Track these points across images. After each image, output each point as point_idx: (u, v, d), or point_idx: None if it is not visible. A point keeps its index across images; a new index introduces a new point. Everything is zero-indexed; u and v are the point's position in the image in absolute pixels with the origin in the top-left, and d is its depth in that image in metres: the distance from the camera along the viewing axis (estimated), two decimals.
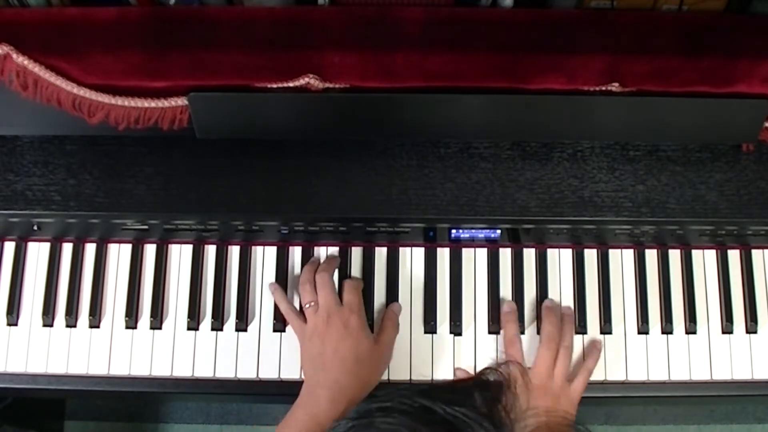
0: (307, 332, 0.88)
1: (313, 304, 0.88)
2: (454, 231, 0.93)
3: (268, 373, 0.92)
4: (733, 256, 0.96)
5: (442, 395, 0.50)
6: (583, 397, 0.89)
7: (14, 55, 0.80)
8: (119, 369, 0.92)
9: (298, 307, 0.92)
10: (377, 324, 0.92)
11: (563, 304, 0.94)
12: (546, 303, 0.93)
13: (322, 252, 0.96)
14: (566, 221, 0.90)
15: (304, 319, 0.89)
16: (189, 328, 0.93)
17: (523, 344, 0.91)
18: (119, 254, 0.96)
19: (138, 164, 0.90)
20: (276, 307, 0.93)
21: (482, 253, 0.96)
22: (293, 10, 0.81)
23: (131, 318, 0.93)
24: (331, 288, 0.89)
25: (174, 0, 0.81)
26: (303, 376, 0.87)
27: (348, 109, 0.83)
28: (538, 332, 0.92)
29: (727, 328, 0.94)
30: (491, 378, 0.55)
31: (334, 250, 0.96)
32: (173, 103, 0.83)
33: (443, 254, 0.96)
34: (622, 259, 0.96)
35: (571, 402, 0.87)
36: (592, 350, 0.92)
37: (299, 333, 0.89)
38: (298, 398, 0.84)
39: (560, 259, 0.96)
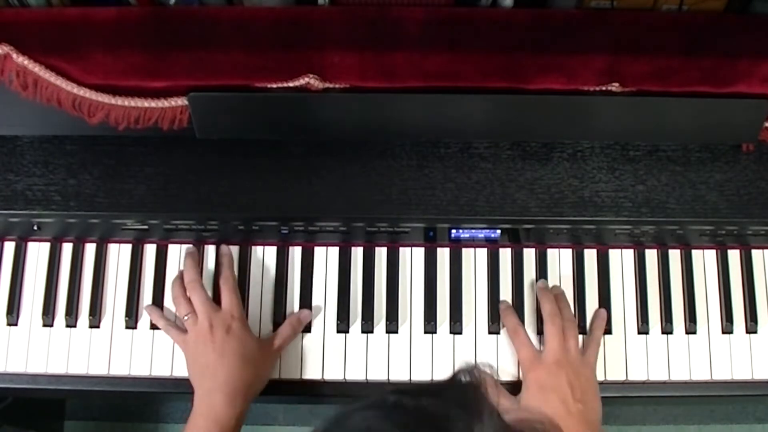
0: (190, 343, 0.88)
1: (190, 314, 0.88)
2: (454, 231, 0.93)
3: None
4: (733, 256, 0.96)
5: (413, 391, 0.51)
6: None
7: (14, 55, 0.80)
8: (119, 369, 0.92)
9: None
10: (377, 321, 0.92)
11: None
12: (539, 284, 0.94)
13: (321, 252, 0.96)
14: (566, 221, 0.90)
15: (185, 330, 0.89)
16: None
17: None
18: (119, 254, 0.96)
19: (138, 164, 0.90)
20: (276, 308, 0.93)
21: (482, 253, 0.96)
22: (293, 10, 0.81)
23: (131, 318, 0.93)
24: (204, 296, 0.89)
25: (174, 0, 0.81)
26: (193, 385, 0.86)
27: (348, 109, 0.83)
28: (538, 332, 0.92)
29: (727, 328, 0.94)
30: (463, 378, 0.56)
31: (334, 250, 0.96)
32: (173, 103, 0.83)
33: (443, 254, 0.96)
34: (622, 259, 0.96)
35: (588, 372, 0.88)
36: (597, 320, 0.92)
37: (182, 345, 0.89)
38: (194, 408, 0.84)
39: (560, 259, 0.96)
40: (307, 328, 0.93)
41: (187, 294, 0.90)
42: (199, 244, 0.95)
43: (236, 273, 0.94)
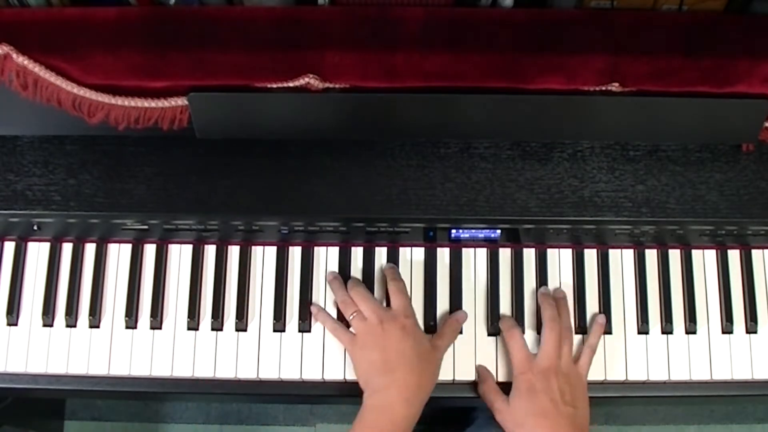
0: (359, 341, 0.87)
1: (357, 312, 0.88)
2: (454, 231, 0.93)
3: (268, 373, 0.92)
4: (733, 256, 0.96)
5: None
6: None
7: (14, 55, 0.80)
8: (119, 369, 0.92)
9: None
10: None
11: None
12: (541, 290, 0.94)
13: (321, 252, 0.96)
14: (566, 221, 0.90)
15: (354, 333, 0.89)
16: (189, 328, 0.93)
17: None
18: (119, 254, 0.96)
19: (138, 164, 0.90)
20: (276, 307, 0.93)
21: (482, 253, 0.96)
22: (293, 10, 0.81)
23: (131, 318, 0.93)
24: (372, 297, 0.90)
25: (174, 0, 0.81)
26: (362, 385, 0.85)
27: (348, 109, 0.83)
28: (538, 332, 0.92)
29: (727, 328, 0.94)
30: None
31: (334, 250, 0.96)
32: (173, 103, 0.83)
33: (443, 254, 0.96)
34: (622, 259, 0.96)
35: (580, 379, 0.88)
36: (595, 326, 0.92)
37: (350, 346, 0.88)
38: (364, 405, 0.83)
39: (560, 259, 0.96)
40: (307, 329, 0.93)
41: (351, 296, 0.90)
42: (199, 244, 0.96)
43: (237, 273, 0.95)
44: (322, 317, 0.92)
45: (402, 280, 0.92)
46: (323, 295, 0.94)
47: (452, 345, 0.92)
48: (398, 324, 0.86)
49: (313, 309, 0.93)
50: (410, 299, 0.91)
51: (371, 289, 0.94)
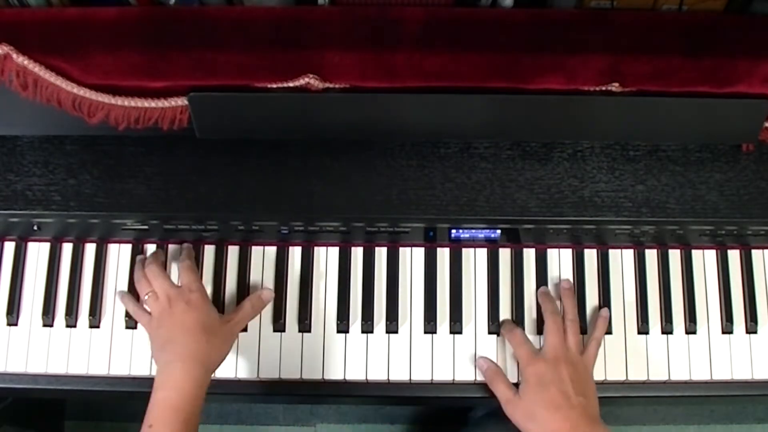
0: (153, 321, 0.88)
1: (151, 293, 0.89)
2: (454, 231, 0.93)
3: (268, 373, 0.92)
4: (733, 256, 0.96)
5: None
6: None
7: (14, 55, 0.80)
8: (119, 369, 0.92)
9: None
10: (377, 321, 0.93)
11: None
12: (541, 289, 0.94)
13: (321, 252, 0.96)
14: (566, 221, 0.90)
15: (150, 313, 0.89)
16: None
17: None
18: (119, 254, 0.96)
19: (138, 164, 0.90)
20: (277, 307, 0.93)
21: (482, 253, 0.96)
22: (293, 10, 0.81)
23: (131, 318, 0.93)
24: (163, 275, 0.90)
25: (174, 0, 0.81)
26: (156, 364, 0.86)
27: (348, 109, 0.83)
28: (538, 332, 0.92)
29: (727, 328, 0.94)
30: None
31: (334, 250, 0.96)
32: (173, 103, 0.83)
33: (443, 254, 0.96)
34: (622, 259, 0.96)
35: (587, 369, 0.88)
36: (600, 320, 0.92)
37: (147, 327, 0.89)
38: (155, 383, 0.83)
39: (560, 259, 0.96)
40: (307, 329, 0.93)
41: (146, 273, 0.90)
42: (199, 244, 0.96)
43: (236, 273, 0.95)
44: (125, 300, 0.93)
45: (191, 259, 0.93)
46: (323, 294, 0.95)
47: (452, 345, 0.92)
48: (183, 299, 0.87)
49: (118, 295, 0.94)
50: (198, 274, 0.91)
51: (371, 289, 0.94)
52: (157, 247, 0.95)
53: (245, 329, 0.93)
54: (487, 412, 1.03)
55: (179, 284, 0.90)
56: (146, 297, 0.89)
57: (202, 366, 0.83)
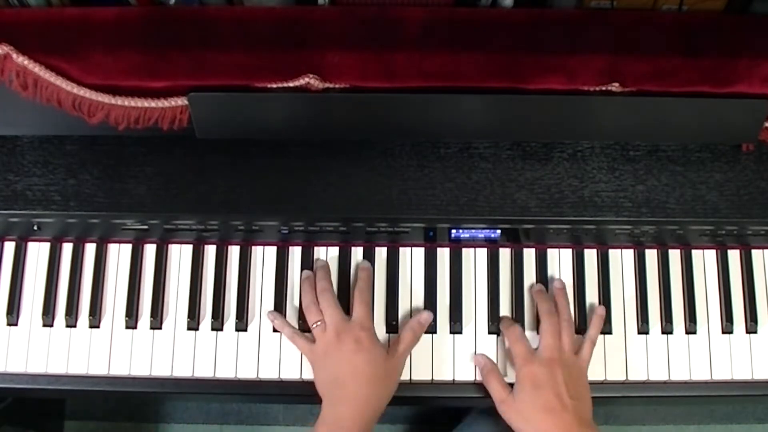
0: (318, 353, 0.87)
1: (320, 323, 0.88)
2: (454, 231, 0.93)
3: (268, 373, 0.92)
4: (733, 256, 0.96)
5: None
6: None
7: (14, 55, 0.80)
8: (119, 369, 0.92)
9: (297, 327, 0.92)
10: (377, 321, 0.93)
11: None
12: (536, 287, 0.94)
13: (321, 252, 0.96)
14: (566, 221, 0.90)
15: (313, 340, 0.89)
16: (189, 328, 0.93)
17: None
18: (119, 254, 0.96)
19: (138, 164, 0.90)
20: (276, 307, 0.93)
21: (482, 253, 0.96)
22: (293, 10, 0.81)
23: (131, 318, 0.93)
24: (335, 305, 0.89)
25: (174, 0, 0.81)
26: (320, 395, 0.86)
27: (348, 109, 0.83)
28: (539, 332, 0.92)
29: (727, 328, 0.94)
30: None
31: (334, 250, 0.96)
32: (173, 103, 0.83)
33: (443, 254, 0.96)
34: (622, 259, 0.96)
35: (581, 371, 0.88)
36: (595, 318, 0.92)
37: (309, 355, 0.89)
38: (320, 418, 0.84)
39: (560, 259, 0.96)
40: (307, 329, 0.93)
41: (318, 302, 0.89)
42: (199, 244, 0.96)
43: (237, 273, 0.95)
44: (279, 323, 0.92)
45: (369, 289, 0.92)
46: None
47: (452, 345, 0.92)
48: (353, 337, 0.86)
49: (269, 316, 0.93)
50: (372, 308, 0.91)
51: (371, 291, 0.94)
52: (157, 248, 0.95)
53: (245, 329, 0.93)
54: (482, 409, 1.03)
55: (351, 317, 0.89)
56: (315, 326, 0.88)
57: (372, 411, 0.83)
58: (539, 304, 0.92)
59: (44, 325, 0.94)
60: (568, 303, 0.93)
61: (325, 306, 0.89)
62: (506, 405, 0.87)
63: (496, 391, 0.88)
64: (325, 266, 0.94)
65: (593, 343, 0.91)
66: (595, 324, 0.92)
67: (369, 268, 0.94)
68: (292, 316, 0.94)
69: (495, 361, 0.92)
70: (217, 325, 0.93)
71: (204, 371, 0.92)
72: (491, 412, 0.90)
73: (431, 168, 0.90)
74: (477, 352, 0.93)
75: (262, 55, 0.81)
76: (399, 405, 1.45)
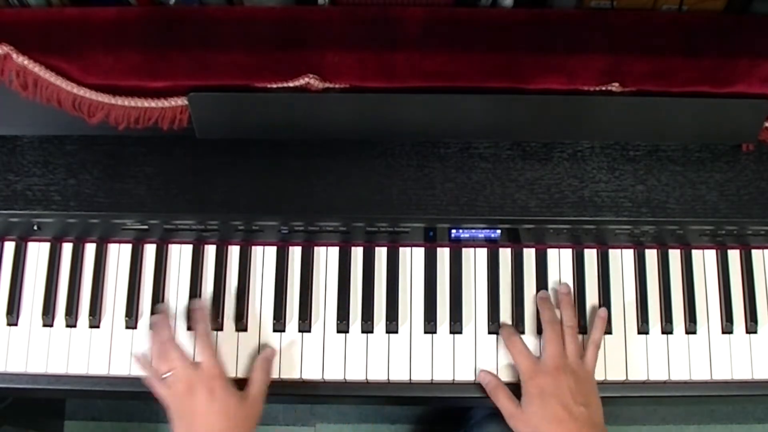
0: (172, 400, 0.85)
1: (172, 372, 0.86)
2: (454, 231, 0.93)
3: None
4: (733, 256, 0.96)
5: None
6: None
7: (14, 55, 0.80)
8: (119, 369, 0.92)
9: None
10: (377, 321, 0.93)
11: None
12: (540, 294, 0.94)
13: (321, 252, 0.96)
14: (566, 221, 0.90)
15: (168, 386, 0.86)
16: (189, 328, 0.93)
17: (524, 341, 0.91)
18: (119, 254, 0.96)
19: (138, 164, 0.90)
20: (276, 308, 0.93)
21: (482, 253, 0.96)
22: (293, 10, 0.81)
23: (131, 318, 0.93)
24: (181, 355, 0.87)
25: (174, 0, 0.81)
26: None
27: (348, 109, 0.83)
28: (539, 332, 0.92)
29: (727, 328, 0.94)
30: None
31: (334, 250, 0.96)
32: (173, 103, 0.83)
33: (443, 254, 0.96)
34: (622, 259, 0.96)
35: (588, 375, 0.88)
36: (597, 321, 0.92)
37: (165, 400, 0.86)
38: None
39: (560, 259, 0.96)
40: (307, 329, 0.93)
41: (165, 354, 0.87)
42: (199, 244, 0.96)
43: (237, 273, 0.94)
44: (140, 364, 0.90)
45: (208, 330, 0.90)
46: (323, 294, 0.94)
47: (452, 345, 0.92)
48: (206, 387, 0.84)
49: (134, 357, 0.91)
50: (214, 349, 0.89)
51: (371, 289, 0.94)
52: (157, 248, 0.95)
53: (245, 329, 0.93)
54: (488, 413, 1.02)
55: (197, 360, 0.87)
56: (164, 377, 0.86)
57: None
58: (542, 312, 0.92)
59: (44, 325, 0.94)
60: (572, 308, 0.92)
61: (171, 357, 0.86)
62: (516, 419, 0.87)
63: (505, 406, 0.88)
64: (204, 308, 0.92)
65: (597, 347, 0.91)
66: (598, 327, 0.92)
67: (203, 308, 0.92)
68: (292, 316, 0.94)
69: (495, 360, 0.92)
70: (217, 325, 0.93)
71: None
72: (497, 416, 0.90)
73: (431, 168, 0.90)
74: (477, 352, 0.93)
75: (262, 55, 0.81)
76: (399, 405, 1.46)
